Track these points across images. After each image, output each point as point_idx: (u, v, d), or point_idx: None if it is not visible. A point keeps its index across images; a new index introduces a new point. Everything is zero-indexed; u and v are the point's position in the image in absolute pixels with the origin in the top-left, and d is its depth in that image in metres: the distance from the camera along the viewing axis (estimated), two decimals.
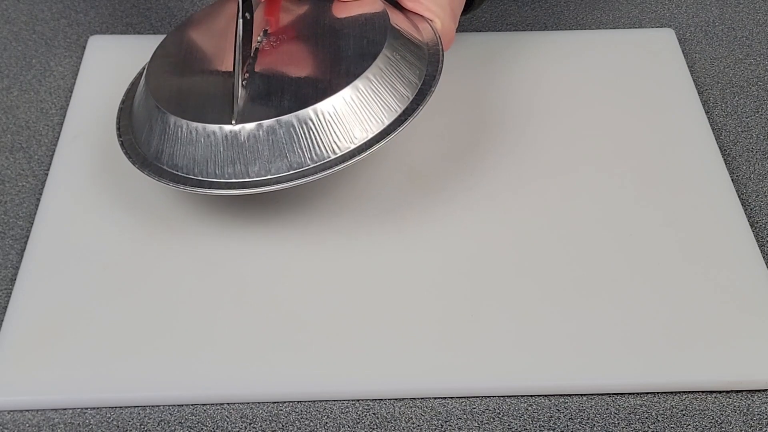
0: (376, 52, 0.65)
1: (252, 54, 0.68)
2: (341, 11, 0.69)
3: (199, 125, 0.65)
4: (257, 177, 0.64)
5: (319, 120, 0.64)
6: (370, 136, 0.65)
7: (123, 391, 0.61)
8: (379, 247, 0.68)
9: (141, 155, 0.68)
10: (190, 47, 0.71)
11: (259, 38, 0.69)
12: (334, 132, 0.64)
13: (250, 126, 0.64)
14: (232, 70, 0.66)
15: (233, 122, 0.64)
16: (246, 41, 0.67)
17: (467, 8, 0.76)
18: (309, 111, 0.64)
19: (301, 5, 0.71)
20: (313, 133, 0.64)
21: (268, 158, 0.64)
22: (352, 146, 0.64)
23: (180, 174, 0.66)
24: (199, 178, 0.65)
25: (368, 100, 0.64)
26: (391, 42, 0.66)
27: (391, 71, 0.65)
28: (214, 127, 0.65)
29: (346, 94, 0.64)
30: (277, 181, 0.64)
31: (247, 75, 0.67)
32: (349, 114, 0.64)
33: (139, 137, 0.69)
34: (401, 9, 0.71)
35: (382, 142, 0.64)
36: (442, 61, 0.68)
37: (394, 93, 0.65)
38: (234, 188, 0.65)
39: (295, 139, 0.64)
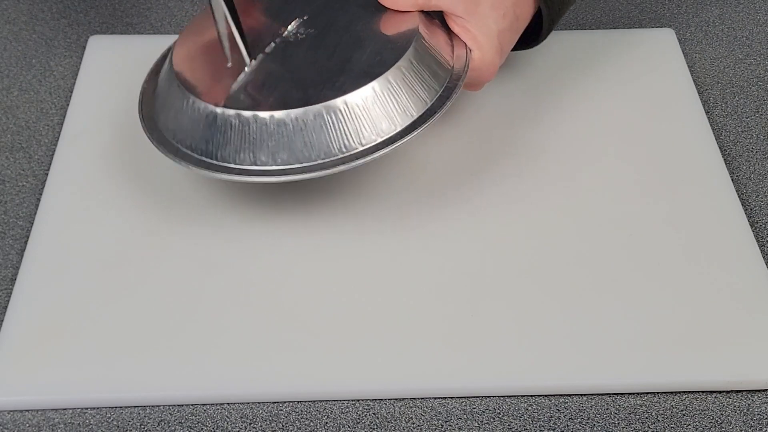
0: (376, 74, 0.65)
1: (275, 41, 0.68)
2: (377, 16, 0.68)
3: (193, 100, 0.66)
4: (223, 162, 0.65)
5: (288, 125, 0.64)
6: (345, 154, 0.64)
7: (123, 391, 0.61)
8: (379, 248, 0.68)
9: (150, 117, 0.69)
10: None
11: (291, 27, 0.69)
12: (304, 140, 0.64)
13: (229, 112, 0.64)
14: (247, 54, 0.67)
15: (215, 103, 0.65)
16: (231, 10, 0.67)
17: (526, 44, 0.74)
18: (283, 114, 0.63)
19: (343, 6, 0.70)
20: (283, 136, 0.64)
21: (236, 148, 0.64)
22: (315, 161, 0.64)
23: (174, 143, 0.67)
24: (187, 151, 0.66)
25: (347, 121, 0.64)
26: (399, 67, 0.65)
27: (385, 98, 0.65)
28: (200, 104, 0.65)
29: (322, 107, 0.64)
30: (240, 173, 0.64)
31: (252, 61, 0.67)
32: (321, 129, 0.64)
33: (151, 100, 0.70)
34: (448, 30, 0.69)
35: (357, 162, 0.64)
36: (454, 96, 0.67)
37: (373, 125, 0.64)
38: (203, 168, 0.65)
39: (265, 137, 0.64)
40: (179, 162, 0.66)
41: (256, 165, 0.64)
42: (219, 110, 0.65)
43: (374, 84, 0.64)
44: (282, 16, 0.70)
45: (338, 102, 0.64)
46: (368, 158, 0.64)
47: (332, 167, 0.64)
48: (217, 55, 0.69)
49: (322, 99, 0.64)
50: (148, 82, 0.72)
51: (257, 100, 0.65)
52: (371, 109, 0.64)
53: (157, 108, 0.70)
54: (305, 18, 0.70)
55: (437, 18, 0.70)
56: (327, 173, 0.64)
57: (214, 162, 0.65)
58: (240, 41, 0.67)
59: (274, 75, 0.66)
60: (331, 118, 0.64)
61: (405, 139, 0.65)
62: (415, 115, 0.66)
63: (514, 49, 0.73)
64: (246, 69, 0.67)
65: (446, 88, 0.67)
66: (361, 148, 0.64)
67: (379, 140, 0.65)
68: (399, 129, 0.65)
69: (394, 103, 0.65)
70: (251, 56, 0.67)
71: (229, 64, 0.66)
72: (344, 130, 0.64)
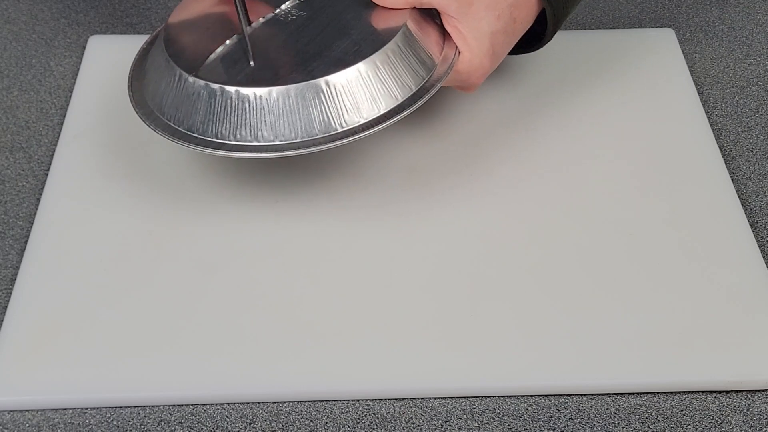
0: (349, 63, 0.64)
1: (265, 16, 0.68)
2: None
3: (172, 65, 0.66)
4: (185, 129, 0.66)
5: (252, 102, 0.64)
6: (296, 139, 0.64)
7: (123, 391, 0.61)
8: (378, 248, 0.68)
9: (139, 92, 0.70)
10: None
11: (285, 5, 0.69)
12: (264, 119, 0.64)
13: (199, 82, 0.65)
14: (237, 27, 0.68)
15: (191, 74, 0.65)
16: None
17: (529, 47, 0.73)
18: (248, 91, 0.63)
19: None
20: (245, 113, 0.64)
21: (202, 119, 0.65)
22: (275, 141, 0.64)
23: (150, 106, 0.68)
24: (158, 115, 0.67)
25: (312, 106, 0.64)
26: (374, 59, 0.65)
27: (354, 88, 0.64)
28: (176, 71, 0.66)
29: (287, 89, 0.64)
30: (199, 143, 0.65)
31: (234, 36, 0.67)
32: (283, 111, 0.64)
33: (143, 63, 0.71)
34: (443, 30, 0.69)
35: (315, 148, 0.64)
36: (426, 97, 0.66)
37: (338, 114, 0.64)
38: (168, 133, 0.66)
39: (229, 111, 0.64)
40: (148, 123, 0.67)
41: (217, 138, 0.65)
42: (191, 79, 0.65)
43: (345, 73, 0.64)
44: None
45: (303, 86, 0.63)
46: (327, 146, 0.64)
47: (288, 150, 0.64)
48: (209, 24, 0.69)
49: (290, 81, 0.64)
50: (148, 44, 0.73)
51: (229, 75, 0.65)
52: (338, 97, 0.64)
53: (145, 69, 0.70)
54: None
55: (438, 17, 0.70)
56: (282, 155, 0.64)
57: (179, 129, 0.66)
58: (241, 14, 0.67)
59: (251, 51, 0.66)
60: (294, 101, 0.64)
61: (363, 134, 0.64)
62: (383, 110, 0.65)
63: (516, 52, 0.73)
64: (227, 42, 0.67)
65: (422, 88, 0.66)
66: (320, 136, 0.64)
67: (341, 130, 0.64)
68: (363, 122, 0.65)
69: (363, 94, 0.65)
70: (239, 29, 0.67)
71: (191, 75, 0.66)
72: (308, 115, 0.64)
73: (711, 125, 0.77)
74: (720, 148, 0.76)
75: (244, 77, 0.64)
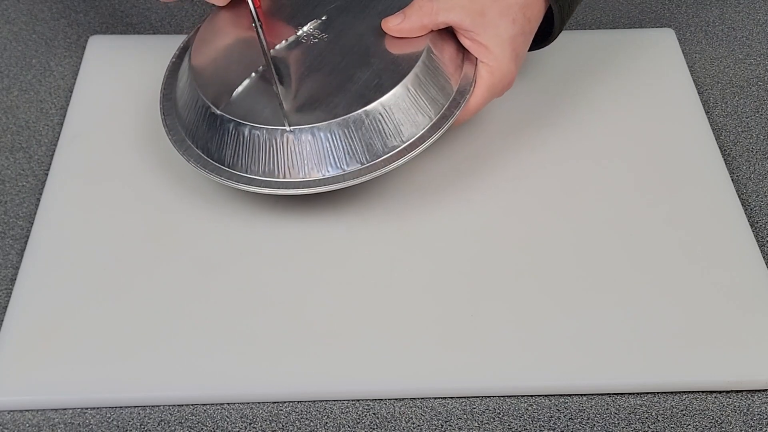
0: (370, 99, 0.65)
1: (287, 39, 0.69)
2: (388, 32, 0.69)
3: (200, 97, 0.67)
4: (216, 161, 0.67)
5: (282, 141, 0.65)
6: (320, 176, 0.65)
7: (123, 391, 0.61)
8: (378, 249, 0.68)
9: (171, 115, 0.70)
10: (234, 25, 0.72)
11: (306, 27, 0.70)
12: (291, 156, 0.65)
13: (228, 118, 0.65)
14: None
15: (219, 108, 0.66)
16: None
17: (535, 44, 0.73)
18: (276, 129, 0.64)
19: (362, 10, 0.70)
20: (254, 149, 0.65)
21: (232, 152, 0.66)
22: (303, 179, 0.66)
23: (193, 147, 0.68)
24: (186, 139, 0.69)
25: (332, 144, 0.65)
26: (394, 95, 0.65)
27: (372, 126, 0.65)
28: (205, 103, 0.67)
29: (313, 128, 0.64)
30: (212, 169, 0.67)
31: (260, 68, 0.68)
32: (312, 150, 0.65)
33: (170, 93, 0.72)
34: (460, 47, 0.69)
35: (324, 188, 0.65)
36: (446, 125, 0.67)
37: (364, 148, 0.65)
38: (203, 168, 0.67)
39: (241, 145, 0.66)
40: (181, 153, 0.68)
41: (246, 173, 0.66)
42: (219, 113, 0.66)
43: (364, 111, 0.65)
44: (304, 12, 0.71)
45: (322, 126, 0.64)
46: (354, 181, 0.65)
47: (315, 186, 0.65)
48: (235, 48, 0.70)
49: (312, 121, 0.64)
50: (177, 58, 0.74)
51: (256, 111, 0.66)
52: (355, 136, 0.65)
53: (176, 90, 0.71)
54: (323, 19, 0.70)
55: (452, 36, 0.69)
56: (310, 191, 0.65)
57: (210, 161, 0.67)
58: (264, 49, 0.67)
59: (279, 90, 0.66)
60: (323, 138, 0.64)
61: (388, 168, 0.65)
62: (406, 143, 0.66)
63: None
64: (253, 74, 0.67)
65: (441, 116, 0.67)
66: (349, 170, 0.65)
67: (367, 164, 0.65)
68: (389, 154, 0.66)
69: (387, 128, 0.65)
70: (264, 54, 0.67)
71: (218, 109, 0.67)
72: (336, 150, 0.65)
73: (711, 125, 0.77)
74: (720, 148, 0.76)
75: (271, 114, 0.65)
